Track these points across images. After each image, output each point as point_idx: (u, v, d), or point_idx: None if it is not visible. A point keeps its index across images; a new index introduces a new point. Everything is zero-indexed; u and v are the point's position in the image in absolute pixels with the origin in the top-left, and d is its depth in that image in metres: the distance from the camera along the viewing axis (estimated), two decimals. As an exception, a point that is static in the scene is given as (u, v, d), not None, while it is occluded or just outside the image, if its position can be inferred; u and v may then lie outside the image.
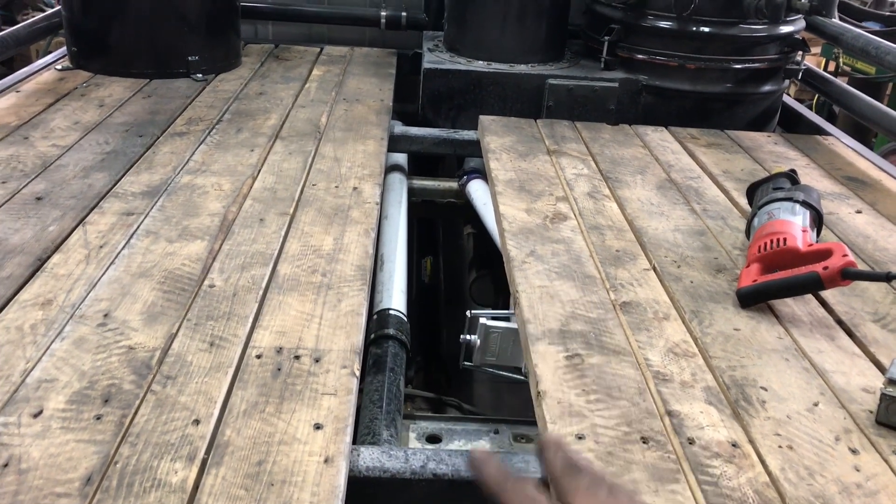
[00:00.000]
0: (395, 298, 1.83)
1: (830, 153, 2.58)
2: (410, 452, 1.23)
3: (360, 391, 1.54)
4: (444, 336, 2.96)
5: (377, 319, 1.75)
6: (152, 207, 1.82)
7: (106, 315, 1.41)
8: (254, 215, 1.82)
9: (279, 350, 1.35)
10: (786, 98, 3.10)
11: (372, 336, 1.70)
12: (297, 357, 1.33)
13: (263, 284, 1.54)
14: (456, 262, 3.07)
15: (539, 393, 1.30)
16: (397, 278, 1.93)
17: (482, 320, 1.63)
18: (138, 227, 1.73)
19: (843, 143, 2.68)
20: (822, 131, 2.84)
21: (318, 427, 1.17)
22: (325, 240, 1.73)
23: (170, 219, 1.77)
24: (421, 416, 1.62)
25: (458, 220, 3.04)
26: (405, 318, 1.77)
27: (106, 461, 1.08)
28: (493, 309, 2.71)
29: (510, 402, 2.52)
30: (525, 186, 2.10)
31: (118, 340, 1.34)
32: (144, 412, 1.18)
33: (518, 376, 1.67)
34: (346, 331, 1.41)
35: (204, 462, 1.10)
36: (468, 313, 1.65)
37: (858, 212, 2.13)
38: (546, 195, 2.06)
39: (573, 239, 1.83)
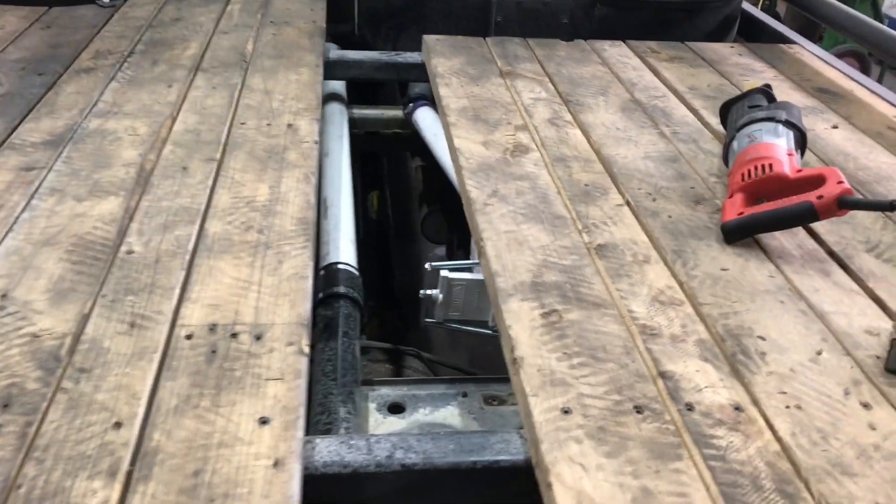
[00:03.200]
0: (344, 250, 1.64)
1: (798, 63, 2.43)
2: (374, 441, 1.06)
3: (311, 361, 1.37)
4: (395, 275, 2.79)
5: (325, 276, 1.57)
6: (56, 160, 1.58)
7: (3, 296, 1.19)
8: (175, 163, 1.60)
9: (212, 328, 1.16)
10: (745, 5, 2.93)
11: (320, 296, 1.52)
12: (234, 335, 1.15)
13: (190, 247, 1.34)
14: (403, 196, 2.88)
15: (515, 359, 1.14)
16: (344, 225, 1.74)
17: (443, 273, 1.46)
18: (41, 184, 1.49)
19: (808, 52, 2.53)
20: (785, 39, 2.69)
21: (263, 422, 1.00)
22: (259, 189, 1.52)
23: (77, 172, 1.54)
24: (380, 382, 1.46)
25: (405, 152, 2.84)
26: (357, 273, 1.59)
27: (6, 485, 0.90)
28: (447, 246, 2.55)
29: (468, 342, 2.39)
30: (480, 115, 1.91)
31: (19, 327, 1.14)
32: (54, 417, 0.99)
33: (486, 331, 1.51)
34: (291, 298, 1.23)
35: (129, 476, 0.92)
36: (427, 266, 1.47)
37: (835, 127, 1.99)
38: (504, 124, 1.87)
39: (538, 174, 1.66)
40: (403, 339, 2.31)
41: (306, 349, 1.13)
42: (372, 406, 1.37)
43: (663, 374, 1.13)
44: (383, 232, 2.88)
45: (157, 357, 1.09)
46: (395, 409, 1.38)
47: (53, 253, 1.30)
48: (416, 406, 1.38)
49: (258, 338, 1.14)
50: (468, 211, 1.55)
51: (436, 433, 1.09)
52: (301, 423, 1.00)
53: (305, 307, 1.21)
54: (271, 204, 1.48)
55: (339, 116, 2.26)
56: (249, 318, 1.18)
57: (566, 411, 1.05)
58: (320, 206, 1.84)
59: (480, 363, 1.94)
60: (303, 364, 1.10)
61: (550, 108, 1.97)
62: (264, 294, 1.23)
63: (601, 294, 1.29)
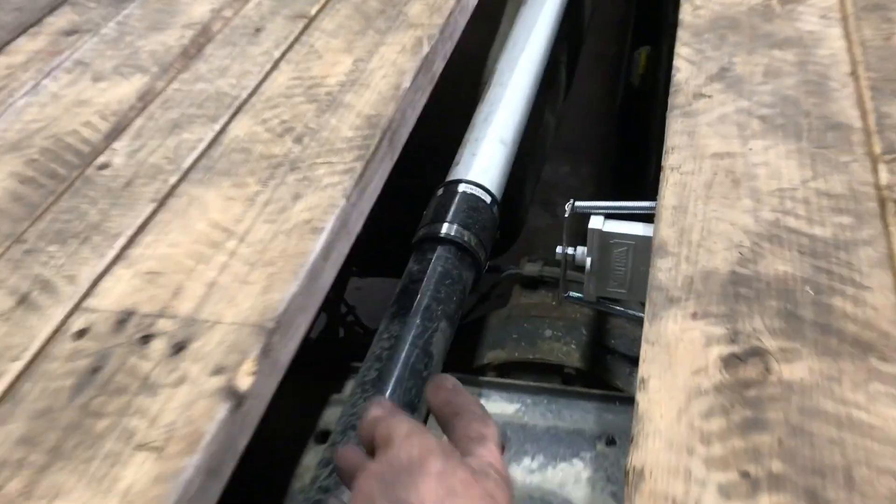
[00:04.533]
0: (482, 161, 1.06)
1: None
2: None
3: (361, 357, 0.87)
4: (653, 162, 2.11)
5: (438, 201, 1.01)
6: (112, 19, 1.18)
7: None
8: (252, 22, 1.11)
9: (123, 320, 0.68)
10: None
11: (420, 233, 0.98)
12: (145, 338, 0.67)
13: (187, 162, 0.86)
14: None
15: (631, 472, 0.53)
16: (502, 118, 1.14)
17: (595, 222, 0.82)
18: (69, 56, 1.10)
19: None
20: None
21: (74, 554, 0.52)
22: (338, 64, 0.99)
23: (122, 38, 1.12)
24: (494, 384, 0.91)
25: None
26: (489, 200, 1.00)
27: None
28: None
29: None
30: (749, -70, 1.14)
31: None
32: None
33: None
34: (272, 272, 0.71)
35: None
36: (568, 206, 0.85)
37: None
38: (786, -56, 1.10)
39: (821, 36, 0.91)
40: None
41: (245, 384, 0.62)
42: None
43: None
44: (647, 104, 2.17)
45: (13, 370, 0.65)
46: (488, 447, 0.82)
47: (11, 162, 0.90)
48: (522, 449, 0.82)
49: (179, 348, 0.65)
50: (669, 104, 0.88)
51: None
52: (135, 569, 0.51)
53: (285, 293, 0.68)
54: (341, 90, 0.94)
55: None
56: (187, 306, 0.69)
57: None
58: (490, 79, 1.26)
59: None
60: (216, 419, 0.59)
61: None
62: (238, 257, 0.73)
63: (881, 321, 0.59)
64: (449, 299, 0.89)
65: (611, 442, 0.80)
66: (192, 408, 0.60)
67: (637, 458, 0.53)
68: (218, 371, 0.62)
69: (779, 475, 0.51)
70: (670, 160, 0.77)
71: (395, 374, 0.80)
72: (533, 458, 0.79)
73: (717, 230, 0.69)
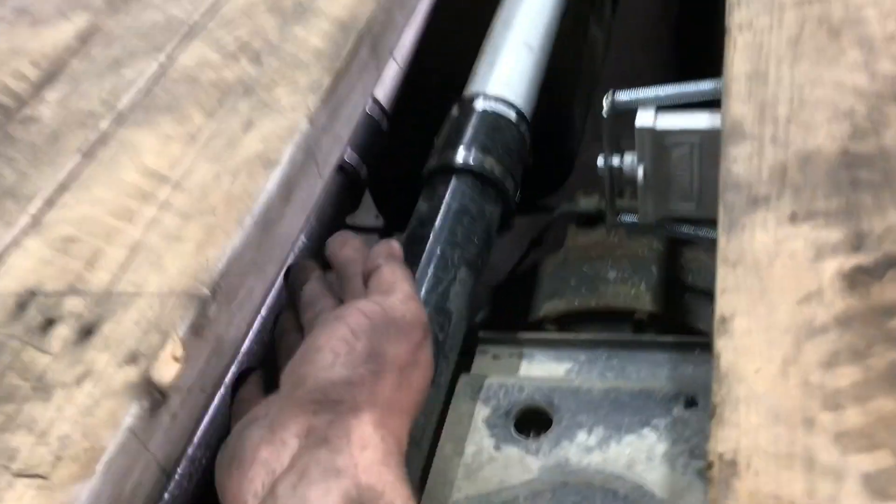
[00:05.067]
0: (504, 68, 0.86)
1: None
2: None
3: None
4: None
5: (452, 121, 0.82)
6: (61, -41, 1.02)
7: None
8: (214, -61, 0.93)
9: (25, 302, 0.52)
10: None
11: (431, 163, 0.79)
12: (47, 323, 0.50)
13: (123, 102, 0.69)
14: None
15: (717, 462, 0.34)
16: (525, 20, 0.94)
17: (643, 118, 0.62)
18: (8, 4, 0.95)
19: None
20: None
21: None
22: (309, -33, 0.80)
23: (70, -24, 0.96)
24: (537, 341, 0.73)
25: None
26: (514, 118, 0.81)
27: None
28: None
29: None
30: None
31: None
32: None
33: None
34: (211, 222, 0.53)
35: None
36: (605, 100, 0.64)
37: None
38: None
39: None
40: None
41: (167, 374, 0.45)
42: (482, 414, 0.65)
43: None
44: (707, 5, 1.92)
45: None
46: (531, 421, 0.64)
47: (-72, 128, 0.75)
48: (575, 421, 0.63)
49: (87, 333, 0.49)
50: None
51: None
52: None
53: (225, 248, 0.51)
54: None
55: None
56: (102, 277, 0.52)
57: None
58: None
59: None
60: (123, 426, 0.42)
61: None
62: (170, 209, 0.56)
63: None
64: (468, 241, 0.71)
65: (691, 403, 0.61)
66: (93, 413, 0.43)
67: (725, 439, 0.34)
68: (131, 359, 0.46)
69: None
70: (737, 17, 0.56)
71: (402, 340, 0.62)
72: (590, 432, 0.61)
73: (814, 97, 0.48)
